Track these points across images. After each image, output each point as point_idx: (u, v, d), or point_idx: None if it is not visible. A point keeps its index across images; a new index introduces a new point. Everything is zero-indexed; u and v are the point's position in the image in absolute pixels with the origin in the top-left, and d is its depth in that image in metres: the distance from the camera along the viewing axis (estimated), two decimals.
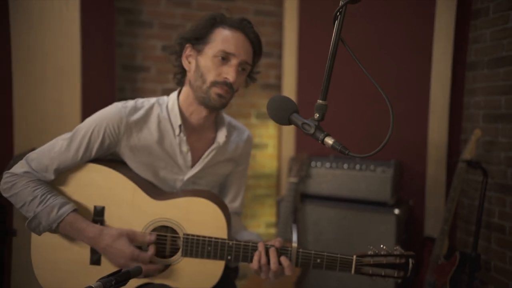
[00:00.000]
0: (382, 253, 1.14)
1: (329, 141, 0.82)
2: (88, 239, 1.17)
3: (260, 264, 1.12)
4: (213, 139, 1.33)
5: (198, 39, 1.22)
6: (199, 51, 1.22)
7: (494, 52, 2.32)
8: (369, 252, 1.15)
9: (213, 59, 1.19)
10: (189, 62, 1.25)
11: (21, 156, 1.90)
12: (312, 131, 0.84)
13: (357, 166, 2.35)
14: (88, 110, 2.31)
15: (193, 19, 2.79)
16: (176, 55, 1.28)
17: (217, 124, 1.34)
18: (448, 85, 2.40)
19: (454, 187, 2.22)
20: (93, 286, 0.78)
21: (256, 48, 1.26)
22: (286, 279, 2.20)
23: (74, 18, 2.21)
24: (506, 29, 2.25)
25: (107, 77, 2.46)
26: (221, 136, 1.31)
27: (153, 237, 1.18)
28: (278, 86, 2.94)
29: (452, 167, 2.44)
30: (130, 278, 0.85)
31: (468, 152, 2.16)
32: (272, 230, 2.98)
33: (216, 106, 1.24)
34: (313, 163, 2.45)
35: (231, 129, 1.36)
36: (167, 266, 1.20)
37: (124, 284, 0.83)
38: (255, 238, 1.28)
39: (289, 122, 0.90)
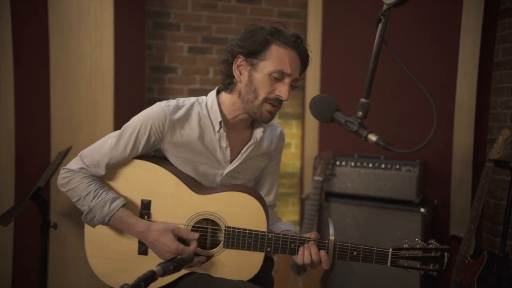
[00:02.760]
0: (417, 246, 1.17)
1: (373, 137, 0.86)
2: (136, 233, 1.25)
3: (304, 257, 1.18)
4: (250, 135, 1.38)
5: (253, 53, 1.24)
6: (252, 65, 1.25)
7: None
8: (405, 245, 1.18)
9: (268, 76, 1.23)
10: (240, 73, 1.28)
11: (61, 154, 2.00)
12: (355, 128, 0.88)
13: (382, 165, 2.37)
14: (120, 109, 2.40)
15: (218, 21, 2.85)
16: (227, 62, 1.32)
17: (253, 121, 1.39)
18: (474, 85, 2.40)
19: (481, 186, 2.22)
20: (154, 270, 0.84)
21: (305, 63, 1.29)
22: (313, 275, 2.24)
23: (108, 24, 2.31)
24: None
25: (137, 78, 2.55)
26: (259, 132, 1.36)
27: (196, 235, 1.24)
28: (302, 87, 2.98)
29: (477, 167, 2.44)
30: (184, 265, 0.91)
31: (496, 152, 2.15)
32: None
33: (265, 121, 1.31)
34: (338, 162, 2.48)
35: (265, 125, 1.41)
36: (209, 258, 1.25)
37: (179, 270, 0.90)
38: (291, 228, 1.33)
39: (332, 120, 0.94)
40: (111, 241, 1.30)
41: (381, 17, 0.82)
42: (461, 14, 2.40)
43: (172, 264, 0.90)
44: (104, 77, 2.35)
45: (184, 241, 1.25)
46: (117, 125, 2.40)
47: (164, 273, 0.87)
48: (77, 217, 1.96)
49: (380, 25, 0.83)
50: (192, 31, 2.82)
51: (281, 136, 1.48)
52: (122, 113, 2.42)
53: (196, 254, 1.22)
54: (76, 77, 2.33)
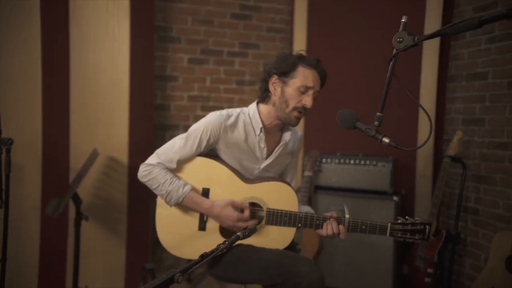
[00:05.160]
0: (408, 221, 1.59)
1: (386, 140, 1.25)
2: (204, 209, 1.64)
3: (328, 230, 1.56)
4: (280, 138, 1.76)
5: (285, 73, 1.62)
6: (284, 82, 1.63)
7: (470, 68, 2.86)
8: (399, 221, 1.60)
9: (296, 90, 1.61)
10: (275, 88, 1.65)
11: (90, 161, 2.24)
12: (373, 133, 1.27)
13: (362, 162, 2.82)
14: (133, 114, 2.67)
15: (214, 35, 3.18)
16: (263, 81, 1.69)
17: (283, 126, 1.77)
18: (434, 94, 2.92)
19: (440, 178, 2.74)
20: (238, 234, 1.20)
21: (323, 80, 1.67)
22: (307, 254, 2.64)
23: (124, 39, 2.59)
24: (479, 50, 2.79)
25: (147, 86, 2.82)
26: (287, 135, 1.75)
27: (246, 204, 1.64)
28: None
29: (437, 162, 2.96)
30: (252, 233, 1.27)
31: (452, 149, 2.67)
32: None
33: (293, 125, 1.70)
34: (324, 160, 2.91)
35: (290, 130, 1.79)
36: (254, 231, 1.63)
37: (250, 236, 1.26)
38: (310, 209, 1.74)
39: (354, 128, 1.33)
40: (176, 220, 1.67)
41: (392, 58, 1.22)
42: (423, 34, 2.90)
43: (247, 231, 1.26)
44: (121, 86, 2.62)
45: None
46: (133, 129, 2.67)
47: (244, 237, 1.23)
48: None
49: (391, 64, 1.23)
50: (191, 44, 3.13)
51: (301, 138, 1.88)
52: (135, 118, 2.69)
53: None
54: (95, 86, 2.58)
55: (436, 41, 2.89)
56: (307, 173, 2.83)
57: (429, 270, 2.72)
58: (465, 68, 2.91)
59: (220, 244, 1.15)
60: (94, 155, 2.29)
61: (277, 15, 3.36)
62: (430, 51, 2.90)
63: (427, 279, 2.72)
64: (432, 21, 2.87)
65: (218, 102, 3.23)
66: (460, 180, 2.83)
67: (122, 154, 2.65)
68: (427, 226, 1.59)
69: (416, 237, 1.59)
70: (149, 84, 2.81)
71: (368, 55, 3.07)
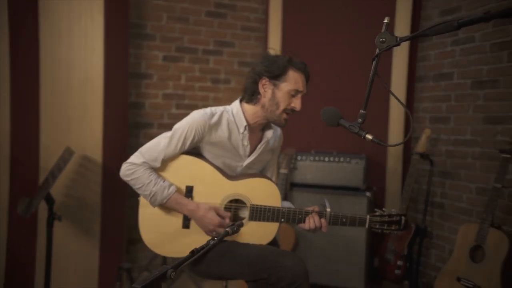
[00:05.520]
0: (385, 213, 1.66)
1: (369, 136, 1.31)
2: (188, 211, 1.63)
3: (310, 224, 1.60)
4: (261, 136, 1.79)
5: (276, 76, 1.64)
6: (275, 85, 1.65)
7: (437, 69, 3.00)
8: (377, 213, 1.66)
9: (287, 94, 1.64)
10: (265, 91, 1.67)
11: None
12: (357, 130, 1.32)
13: (336, 159, 2.90)
14: (107, 113, 2.62)
15: (189, 33, 3.17)
16: (253, 82, 1.69)
17: (264, 126, 1.79)
18: (404, 94, 3.04)
19: (410, 174, 2.86)
20: (227, 229, 1.22)
21: (308, 81, 1.71)
22: (286, 246, 2.69)
23: (98, 35, 2.53)
24: (445, 52, 2.93)
25: (122, 84, 2.77)
26: (269, 133, 1.78)
27: (229, 213, 1.66)
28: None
29: (406, 159, 3.09)
30: (239, 230, 1.29)
31: (420, 147, 2.79)
32: None
33: (282, 126, 1.73)
34: (299, 157, 2.96)
35: (272, 128, 1.82)
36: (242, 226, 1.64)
37: (238, 231, 1.27)
38: (290, 205, 1.78)
39: (338, 125, 1.37)
40: (160, 219, 1.66)
41: (374, 58, 1.27)
42: None
43: (235, 226, 1.27)
44: (94, 84, 2.55)
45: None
46: (107, 127, 2.61)
47: (233, 232, 1.25)
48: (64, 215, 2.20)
49: (374, 63, 1.28)
50: (166, 41, 3.10)
51: (281, 136, 1.91)
52: (110, 116, 2.64)
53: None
54: (66, 83, 2.50)
55: (405, 43, 3.00)
56: (282, 171, 2.88)
57: (399, 263, 2.83)
58: (432, 69, 3.05)
59: (210, 239, 1.16)
60: (68, 154, 2.22)
61: (252, 14, 3.39)
62: (400, 52, 3.02)
63: (397, 271, 2.84)
64: (402, 23, 2.99)
65: (193, 100, 3.22)
66: (428, 176, 2.97)
67: (96, 153, 2.59)
68: (402, 217, 1.66)
69: (393, 228, 1.66)
70: (123, 82, 2.76)
71: (342, 53, 3.15)
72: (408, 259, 2.83)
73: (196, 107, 3.17)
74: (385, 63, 3.06)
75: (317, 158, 2.93)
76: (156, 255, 2.94)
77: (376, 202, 3.09)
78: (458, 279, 2.38)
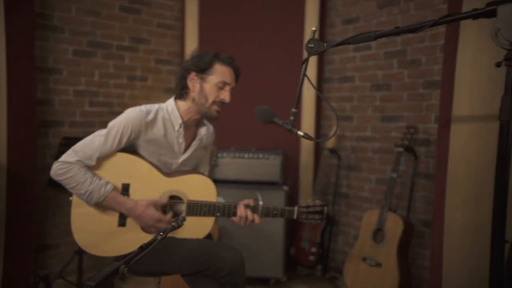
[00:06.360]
0: (310, 204, 1.82)
1: (300, 133, 1.44)
2: (126, 209, 1.59)
3: (241, 218, 1.68)
4: (195, 133, 1.82)
5: (202, 70, 1.68)
6: (202, 79, 1.69)
7: (341, 72, 3.33)
8: (303, 204, 1.81)
9: (215, 86, 1.68)
10: (193, 85, 1.70)
11: None
12: (289, 127, 1.45)
13: (254, 155, 3.04)
14: (13, 110, 2.39)
15: (102, 27, 3.03)
16: (181, 78, 1.71)
17: (198, 123, 1.82)
18: (313, 94, 3.30)
19: (321, 168, 3.13)
20: (173, 223, 1.24)
21: (237, 76, 1.78)
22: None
23: None
24: (348, 57, 3.27)
25: (27, 79, 2.53)
26: (203, 130, 1.82)
27: (165, 200, 1.66)
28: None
29: (317, 154, 3.37)
30: (182, 224, 1.32)
31: (329, 143, 3.08)
32: None
33: (215, 118, 1.75)
34: (219, 155, 3.04)
35: (205, 125, 1.86)
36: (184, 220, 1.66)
37: (182, 225, 1.29)
38: (223, 200, 1.84)
39: (272, 122, 1.48)
40: (94, 218, 1.60)
41: (304, 61, 1.40)
42: (302, 40, 3.26)
43: (179, 220, 1.29)
44: None
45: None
46: (12, 126, 2.38)
47: (178, 226, 1.27)
48: None
49: (303, 66, 1.41)
50: (76, 35, 2.92)
51: (213, 132, 1.96)
52: (15, 114, 2.40)
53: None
54: None
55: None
56: None
57: (313, 250, 3.09)
58: (337, 72, 3.37)
59: (158, 234, 1.17)
60: None
61: (167, 11, 3.36)
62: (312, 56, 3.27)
63: (311, 258, 3.09)
64: (309, 29, 3.24)
65: (108, 98, 3.08)
66: (336, 169, 3.28)
67: (0, 155, 2.34)
68: (325, 207, 1.84)
69: (317, 218, 1.83)
70: (29, 76, 2.53)
71: (260, 53, 3.30)
72: (321, 246, 3.10)
73: (111, 105, 3.09)
74: (299, 65, 3.29)
75: (237, 155, 3.03)
76: (69, 261, 2.77)
77: (292, 195, 3.32)
78: (364, 259, 2.70)
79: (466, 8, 2.02)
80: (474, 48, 1.93)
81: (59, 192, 2.84)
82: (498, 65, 0.97)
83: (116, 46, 3.10)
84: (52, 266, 2.88)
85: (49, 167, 2.71)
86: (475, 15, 1.01)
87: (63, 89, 2.88)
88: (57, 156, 2.52)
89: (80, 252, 2.54)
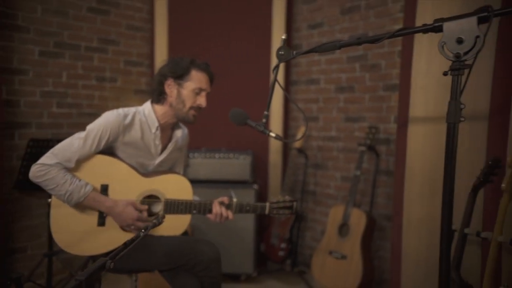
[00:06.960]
0: (281, 200, 1.92)
1: (272, 134, 1.53)
2: (106, 208, 1.63)
3: (216, 215, 1.76)
4: (171, 135, 1.87)
5: (180, 76, 1.74)
6: (179, 84, 1.75)
7: (307, 75, 3.47)
8: (274, 200, 1.91)
9: (192, 92, 1.75)
10: (171, 90, 1.76)
11: None
12: (262, 129, 1.54)
13: (225, 155, 3.12)
14: None
15: (70, 28, 3.00)
16: (159, 83, 1.76)
17: (174, 125, 1.88)
18: (281, 96, 3.42)
19: (289, 167, 3.26)
20: (154, 220, 1.31)
21: (212, 81, 1.85)
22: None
23: None
24: (314, 61, 3.41)
25: None
26: (179, 133, 1.88)
27: (146, 206, 1.72)
28: (148, 92, 3.42)
29: (285, 154, 3.49)
30: (160, 223, 1.38)
31: (297, 143, 3.21)
32: None
33: (191, 123, 1.81)
34: (191, 155, 3.09)
35: (180, 128, 1.92)
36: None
37: (162, 222, 1.36)
38: (198, 198, 1.91)
39: (246, 124, 1.57)
40: (73, 218, 1.64)
41: (274, 68, 1.50)
42: (270, 45, 3.38)
43: (159, 218, 1.36)
44: None
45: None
46: None
47: (159, 223, 1.34)
48: None
49: (275, 72, 1.51)
50: (43, 35, 2.88)
51: (187, 134, 2.02)
52: None
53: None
54: None
55: None
56: None
57: (282, 245, 3.21)
58: (303, 74, 3.51)
59: (140, 231, 1.24)
60: None
61: (136, 13, 3.37)
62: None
63: (280, 253, 3.21)
64: (276, 33, 3.36)
65: (77, 99, 3.06)
66: (303, 168, 3.42)
67: None
68: (294, 203, 1.95)
69: (287, 212, 1.94)
70: None
71: (230, 55, 3.38)
72: (290, 242, 3.22)
73: (80, 106, 3.08)
74: (266, 68, 3.40)
75: (208, 155, 3.10)
76: (38, 264, 2.73)
77: (261, 193, 3.42)
78: (330, 253, 2.84)
79: (419, 17, 2.20)
80: (427, 57, 2.12)
81: (26, 195, 2.80)
82: (445, 74, 1.11)
83: (84, 47, 3.08)
84: (20, 270, 2.83)
85: (15, 169, 2.67)
86: (425, 30, 1.14)
87: (30, 90, 2.84)
88: (24, 158, 2.51)
89: (49, 254, 2.53)
